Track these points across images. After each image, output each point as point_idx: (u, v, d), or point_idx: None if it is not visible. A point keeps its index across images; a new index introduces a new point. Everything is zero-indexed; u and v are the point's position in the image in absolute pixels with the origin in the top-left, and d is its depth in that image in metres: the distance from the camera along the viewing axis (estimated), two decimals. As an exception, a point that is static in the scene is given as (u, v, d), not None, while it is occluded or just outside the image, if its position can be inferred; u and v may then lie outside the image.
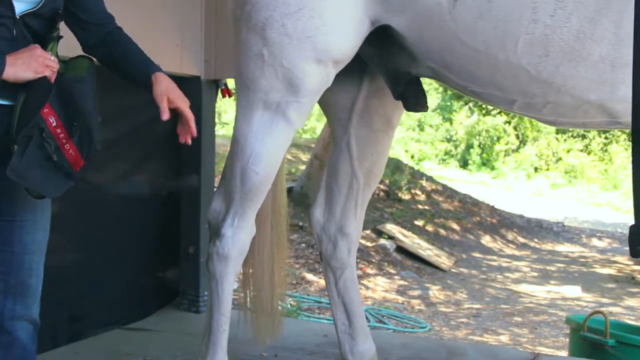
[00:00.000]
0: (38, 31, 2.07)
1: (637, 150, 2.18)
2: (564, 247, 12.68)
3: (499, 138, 23.15)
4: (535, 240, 13.01)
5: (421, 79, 2.71)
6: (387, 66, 2.65)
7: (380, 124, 2.95)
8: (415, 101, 2.67)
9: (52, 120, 1.99)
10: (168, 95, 2.16)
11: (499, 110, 13.19)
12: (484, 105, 13.42)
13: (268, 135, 2.51)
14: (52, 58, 1.99)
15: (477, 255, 10.88)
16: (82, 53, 2.19)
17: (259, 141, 2.52)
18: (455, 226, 11.85)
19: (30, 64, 1.93)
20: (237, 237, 2.60)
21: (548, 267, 10.54)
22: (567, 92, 2.28)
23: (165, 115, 2.11)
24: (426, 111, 2.78)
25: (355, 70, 2.78)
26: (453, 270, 9.57)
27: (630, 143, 2.18)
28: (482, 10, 2.26)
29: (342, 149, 2.97)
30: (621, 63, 2.17)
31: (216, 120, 4.94)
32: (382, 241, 9.35)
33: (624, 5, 2.13)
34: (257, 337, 3.12)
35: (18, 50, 1.95)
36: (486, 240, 11.96)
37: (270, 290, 3.12)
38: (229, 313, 2.65)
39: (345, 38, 2.45)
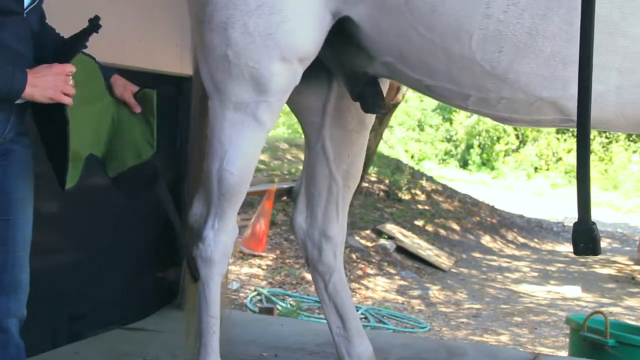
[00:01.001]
0: (34, 28, 2.11)
1: (581, 153, 2.20)
2: (564, 247, 12.66)
3: (499, 138, 23.13)
4: (535, 240, 13.01)
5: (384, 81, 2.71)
6: (344, 67, 2.65)
7: (354, 124, 2.94)
8: (373, 102, 2.67)
9: None
10: (130, 90, 2.32)
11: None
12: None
13: (240, 137, 2.51)
14: (71, 83, 2.04)
15: (477, 255, 10.88)
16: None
17: (232, 143, 2.51)
18: (455, 226, 11.85)
19: (46, 91, 1.99)
20: (219, 239, 2.60)
21: (548, 267, 10.53)
22: (521, 89, 2.28)
23: (138, 109, 2.32)
24: (384, 112, 2.79)
25: (324, 72, 2.78)
26: (453, 270, 9.57)
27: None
28: (436, 3, 2.26)
29: (317, 153, 2.97)
30: (572, 61, 2.16)
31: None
32: (382, 241, 9.35)
33: (574, 3, 2.13)
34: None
35: (40, 68, 2.00)
36: (486, 240, 11.96)
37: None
38: (218, 314, 2.64)
39: (308, 34, 2.43)
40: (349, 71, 2.64)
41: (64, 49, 2.15)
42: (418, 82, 2.49)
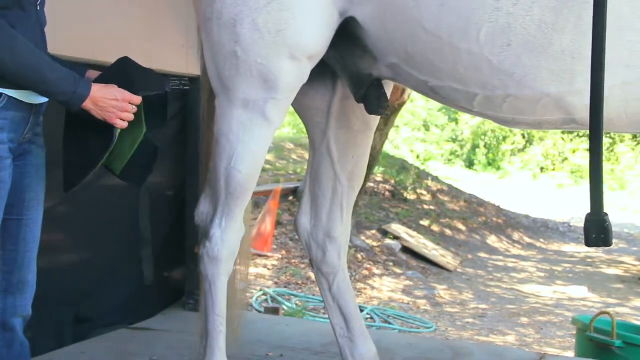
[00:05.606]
0: (44, 21, 2.11)
1: (593, 144, 2.17)
2: (570, 248, 12.64)
3: (505, 138, 23.09)
4: (542, 240, 12.98)
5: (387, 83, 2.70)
6: (349, 69, 2.64)
7: (359, 125, 2.93)
8: (377, 104, 2.66)
9: None
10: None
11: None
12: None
13: (248, 135, 2.51)
14: (133, 110, 2.08)
15: (483, 255, 10.86)
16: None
17: (240, 141, 2.51)
18: (461, 226, 11.83)
19: (105, 114, 2.03)
20: (226, 237, 2.60)
21: (554, 268, 10.51)
22: (527, 84, 2.26)
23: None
24: (388, 114, 2.77)
25: (328, 73, 2.77)
26: (459, 270, 9.56)
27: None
28: None
29: (322, 154, 2.97)
30: (581, 54, 2.15)
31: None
32: (388, 241, 9.34)
33: None
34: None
35: (109, 90, 2.03)
36: (492, 240, 11.94)
37: (231, 289, 3.08)
38: (224, 313, 2.64)
39: (316, 31, 2.44)
40: (353, 73, 2.64)
41: (144, 80, 2.17)
42: (423, 84, 2.48)
